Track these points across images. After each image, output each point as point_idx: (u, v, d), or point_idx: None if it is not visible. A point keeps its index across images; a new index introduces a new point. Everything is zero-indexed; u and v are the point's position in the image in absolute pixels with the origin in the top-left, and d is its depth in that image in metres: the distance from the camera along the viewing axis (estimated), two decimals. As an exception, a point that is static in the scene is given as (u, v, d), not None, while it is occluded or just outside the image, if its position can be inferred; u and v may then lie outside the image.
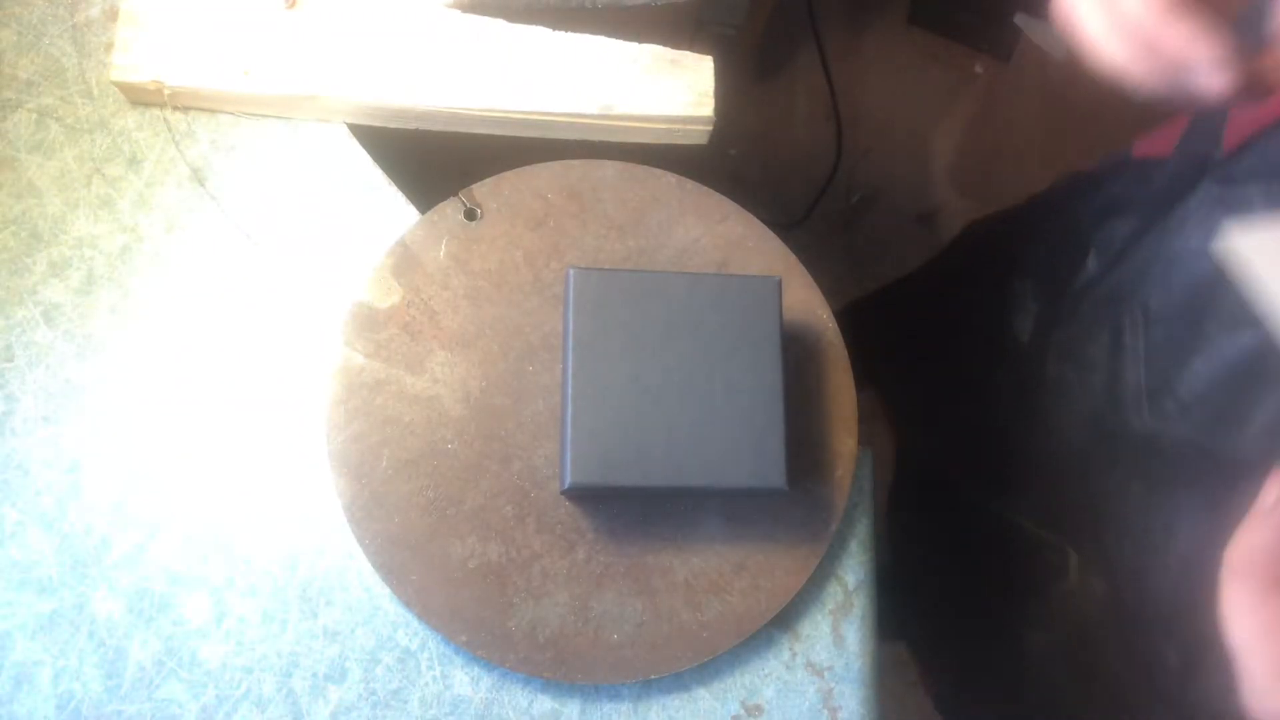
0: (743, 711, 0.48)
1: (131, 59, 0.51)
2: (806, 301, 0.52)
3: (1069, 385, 0.61)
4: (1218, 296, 0.51)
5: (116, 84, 0.51)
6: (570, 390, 0.43)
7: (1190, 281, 0.52)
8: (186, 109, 0.53)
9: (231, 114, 0.53)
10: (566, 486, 0.42)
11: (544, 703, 0.47)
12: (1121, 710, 0.61)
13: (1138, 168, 0.62)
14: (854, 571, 0.51)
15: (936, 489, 0.86)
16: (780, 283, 0.46)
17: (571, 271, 0.44)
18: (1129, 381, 0.55)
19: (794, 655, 0.50)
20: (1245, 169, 0.52)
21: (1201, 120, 0.56)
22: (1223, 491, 0.47)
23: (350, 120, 0.53)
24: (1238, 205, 0.51)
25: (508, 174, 0.52)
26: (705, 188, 0.53)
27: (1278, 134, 0.51)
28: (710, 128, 0.54)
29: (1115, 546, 0.56)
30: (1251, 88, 0.35)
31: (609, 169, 0.53)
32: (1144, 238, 0.57)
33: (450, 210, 0.51)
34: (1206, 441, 0.49)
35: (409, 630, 0.47)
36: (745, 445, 0.43)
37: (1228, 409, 0.48)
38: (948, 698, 0.85)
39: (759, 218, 0.53)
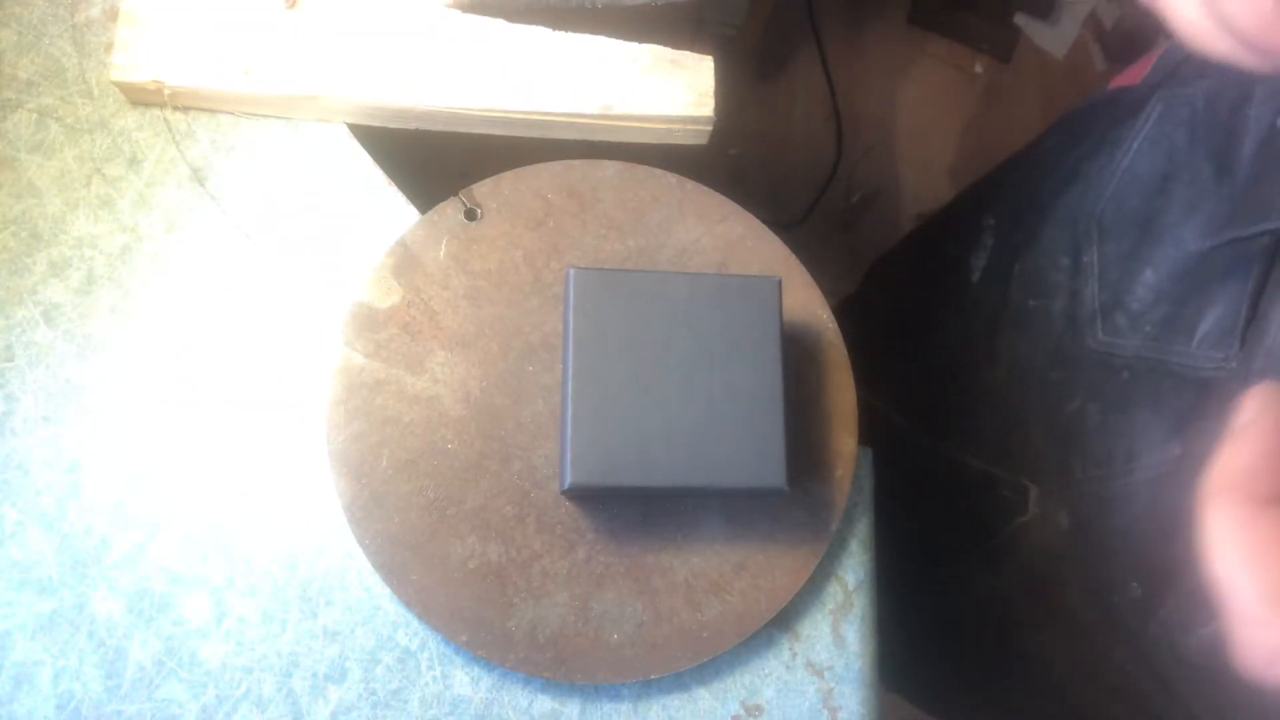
0: (743, 711, 0.48)
1: (131, 59, 0.51)
2: (806, 302, 0.52)
3: (1030, 315, 0.61)
4: (1165, 205, 0.51)
5: (116, 84, 0.51)
6: (570, 390, 0.43)
7: (1140, 191, 0.53)
8: (186, 109, 0.53)
9: (231, 114, 0.53)
10: (566, 487, 0.42)
11: (544, 703, 0.47)
12: (1078, 645, 0.61)
13: (1110, 98, 0.63)
14: (854, 571, 0.51)
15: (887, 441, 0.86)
16: (780, 283, 0.46)
17: (571, 271, 0.44)
18: (1086, 301, 0.55)
19: (794, 655, 0.50)
20: (1192, 70, 0.53)
21: (1174, 48, 0.57)
22: (1181, 411, 0.48)
23: (350, 120, 0.53)
24: (1182, 107, 0.52)
25: (508, 174, 0.52)
26: (705, 188, 0.53)
27: None
28: (710, 128, 0.54)
29: (1081, 475, 0.56)
30: None
31: (609, 169, 0.53)
32: (1098, 156, 0.58)
33: (450, 210, 0.51)
34: (1157, 353, 0.49)
35: (409, 630, 0.47)
36: (745, 445, 0.43)
37: (1175, 317, 0.49)
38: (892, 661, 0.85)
39: (759, 218, 0.53)
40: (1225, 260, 0.47)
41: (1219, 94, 0.50)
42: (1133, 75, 0.61)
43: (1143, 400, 0.51)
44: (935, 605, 0.79)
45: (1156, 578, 0.50)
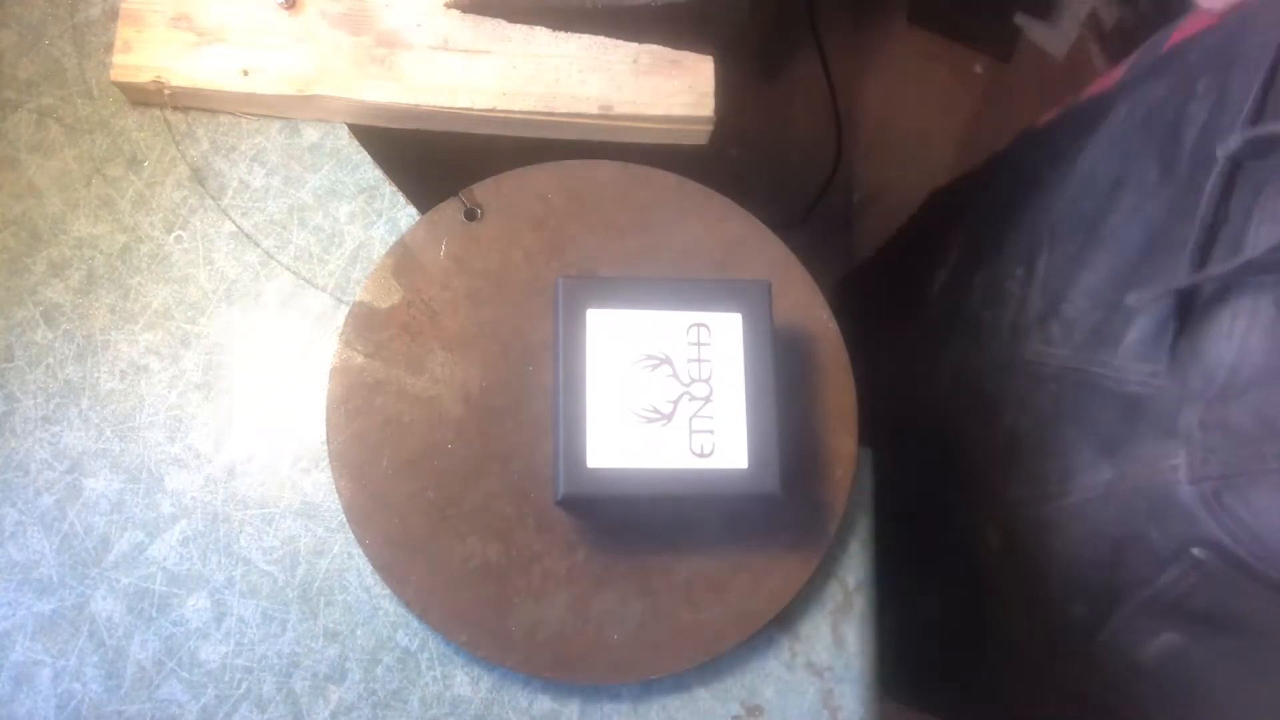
0: (743, 711, 0.48)
1: (131, 59, 0.51)
2: (806, 302, 0.52)
3: (981, 325, 0.60)
4: (1113, 207, 0.50)
5: (116, 84, 0.51)
6: (561, 400, 0.43)
7: (1093, 194, 0.52)
8: (186, 109, 0.53)
9: (231, 114, 0.53)
10: (559, 498, 0.42)
11: (544, 703, 0.47)
12: (1021, 661, 0.59)
13: (1080, 108, 0.62)
14: (854, 571, 0.51)
15: None
16: (771, 287, 0.45)
17: (560, 281, 0.44)
18: (1028, 309, 0.54)
19: (794, 655, 0.49)
20: (1157, 70, 0.52)
21: (1149, 48, 0.56)
22: (1108, 429, 0.46)
23: (350, 120, 0.53)
24: (1140, 108, 0.51)
25: (508, 174, 0.52)
26: (705, 188, 0.53)
27: (1195, 41, 0.51)
28: (710, 128, 0.54)
29: (1012, 495, 0.54)
30: None
31: (609, 169, 0.53)
32: (1059, 162, 0.57)
33: (450, 210, 0.51)
34: (1083, 364, 0.48)
35: (409, 630, 0.47)
36: (739, 452, 0.43)
37: (1105, 325, 0.47)
38: None
39: (759, 218, 0.53)
40: (1152, 269, 0.45)
41: (1171, 93, 0.49)
42: (1105, 83, 0.61)
43: (1069, 416, 0.49)
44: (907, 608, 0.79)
45: (1100, 599, 0.49)
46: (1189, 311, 0.42)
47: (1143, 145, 0.50)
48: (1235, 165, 0.41)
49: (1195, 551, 0.41)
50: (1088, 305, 0.49)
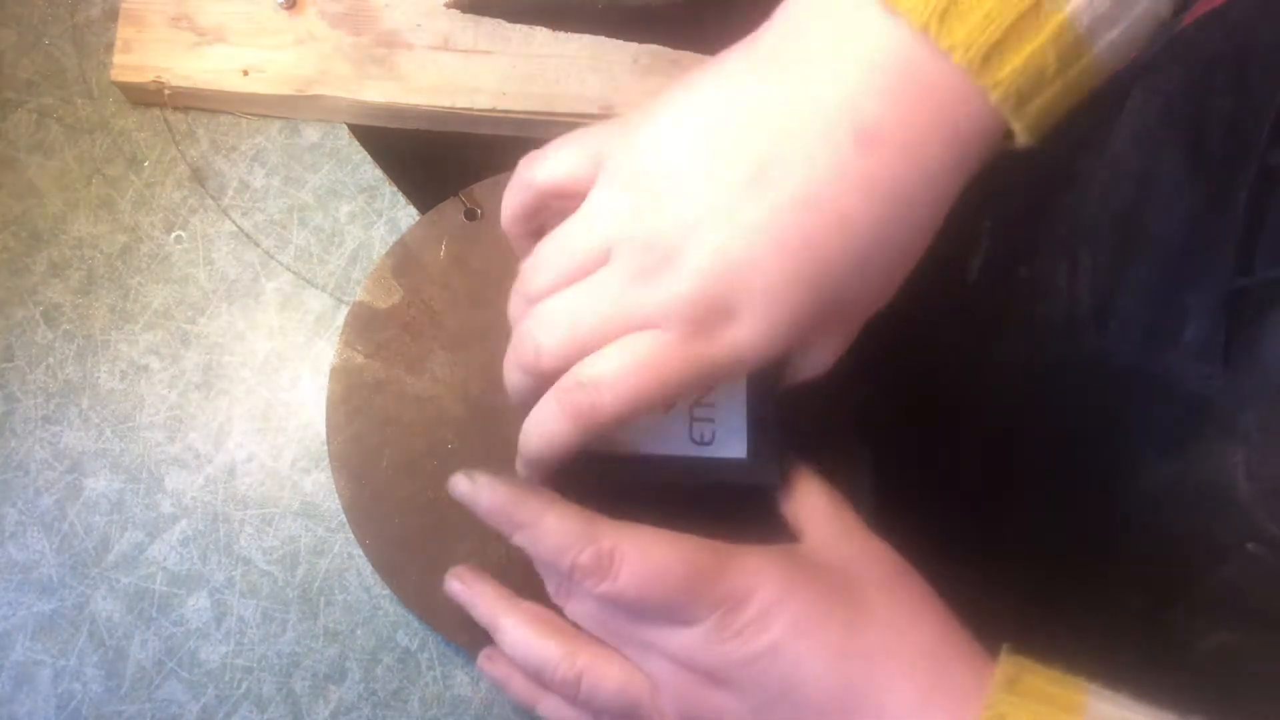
0: (743, 711, 0.48)
1: (131, 59, 0.51)
2: (806, 301, 0.52)
3: (1033, 321, 0.60)
4: (1148, 201, 0.50)
5: (116, 84, 0.51)
6: None
7: (1127, 188, 0.51)
8: (186, 109, 0.53)
9: (231, 114, 0.53)
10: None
11: (544, 703, 0.47)
12: (1072, 653, 0.59)
13: (1095, 93, 0.61)
14: (854, 571, 0.51)
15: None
16: None
17: None
18: (1081, 305, 0.54)
19: (794, 655, 0.49)
20: (1165, 57, 0.52)
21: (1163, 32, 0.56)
22: (1173, 426, 0.47)
23: (350, 120, 0.53)
24: (1157, 97, 0.50)
25: (508, 174, 0.52)
26: (705, 188, 0.53)
27: (1205, 24, 0.50)
28: (710, 128, 0.54)
29: (1078, 490, 0.54)
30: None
31: (609, 169, 0.53)
32: (1088, 154, 0.56)
33: (450, 210, 0.51)
34: (1146, 362, 0.48)
35: (409, 630, 0.47)
36: (738, 441, 0.43)
37: (1161, 322, 0.47)
38: None
39: (759, 218, 0.53)
40: (1198, 268, 0.45)
41: (1189, 82, 0.49)
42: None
43: (1133, 414, 0.49)
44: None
45: (1159, 592, 0.49)
46: (1240, 312, 0.42)
47: (1168, 138, 0.50)
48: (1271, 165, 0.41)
49: (1250, 547, 0.41)
50: (1139, 303, 0.49)
